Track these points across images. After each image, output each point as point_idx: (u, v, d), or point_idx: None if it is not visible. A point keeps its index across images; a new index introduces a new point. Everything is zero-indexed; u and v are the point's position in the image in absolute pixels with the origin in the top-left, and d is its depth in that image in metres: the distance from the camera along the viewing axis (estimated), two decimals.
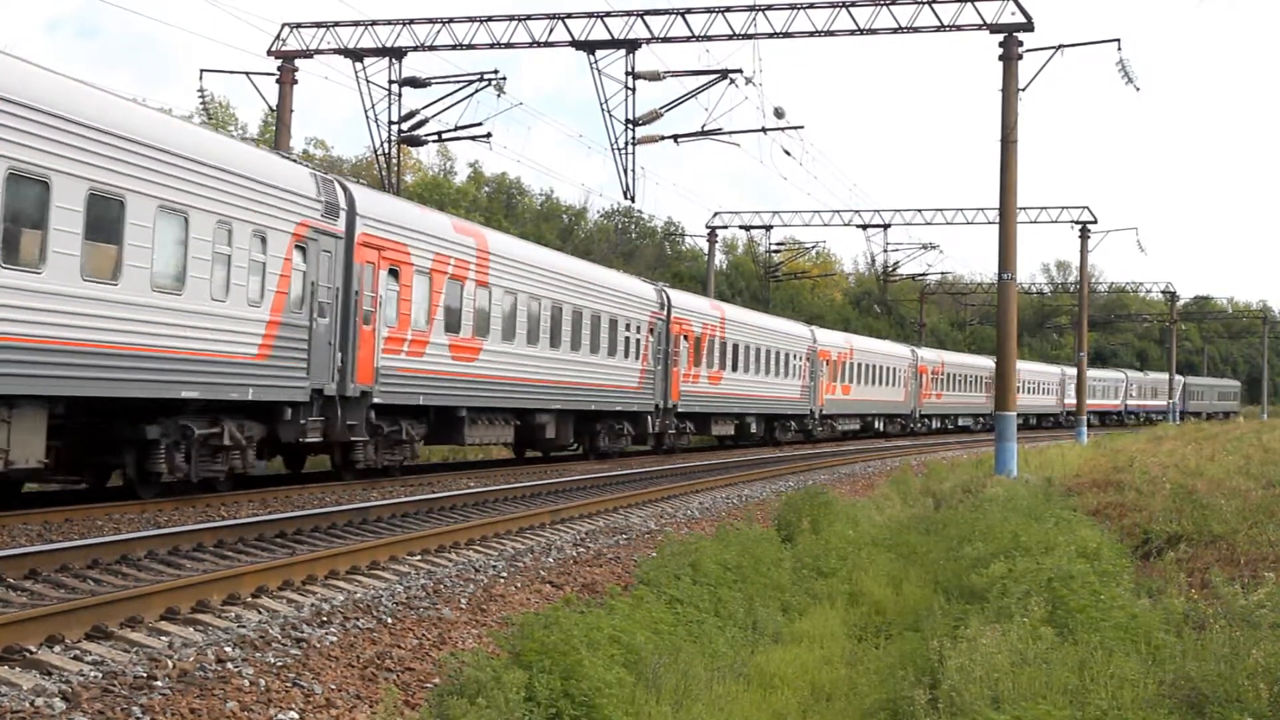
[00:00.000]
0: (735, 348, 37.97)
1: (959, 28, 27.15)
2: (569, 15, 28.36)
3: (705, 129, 30.76)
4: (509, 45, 28.96)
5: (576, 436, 28.94)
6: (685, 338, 33.83)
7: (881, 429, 55.24)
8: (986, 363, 66.08)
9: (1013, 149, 27.69)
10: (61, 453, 14.57)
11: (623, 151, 29.04)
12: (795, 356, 43.43)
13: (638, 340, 30.87)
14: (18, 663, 7.55)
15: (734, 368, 37.86)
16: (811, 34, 27.71)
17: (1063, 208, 51.99)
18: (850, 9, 27.35)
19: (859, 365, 50.77)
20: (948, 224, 53.00)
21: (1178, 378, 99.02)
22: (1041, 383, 77.10)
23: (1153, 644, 8.96)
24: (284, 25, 29.50)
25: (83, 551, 10.94)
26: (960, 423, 68.08)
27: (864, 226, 53.38)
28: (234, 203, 16.36)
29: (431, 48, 29.16)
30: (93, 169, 13.66)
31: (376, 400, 19.74)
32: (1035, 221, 52.04)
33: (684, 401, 33.88)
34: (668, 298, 33.36)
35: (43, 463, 13.51)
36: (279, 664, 8.14)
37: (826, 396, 46.73)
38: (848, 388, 49.47)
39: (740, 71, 28.88)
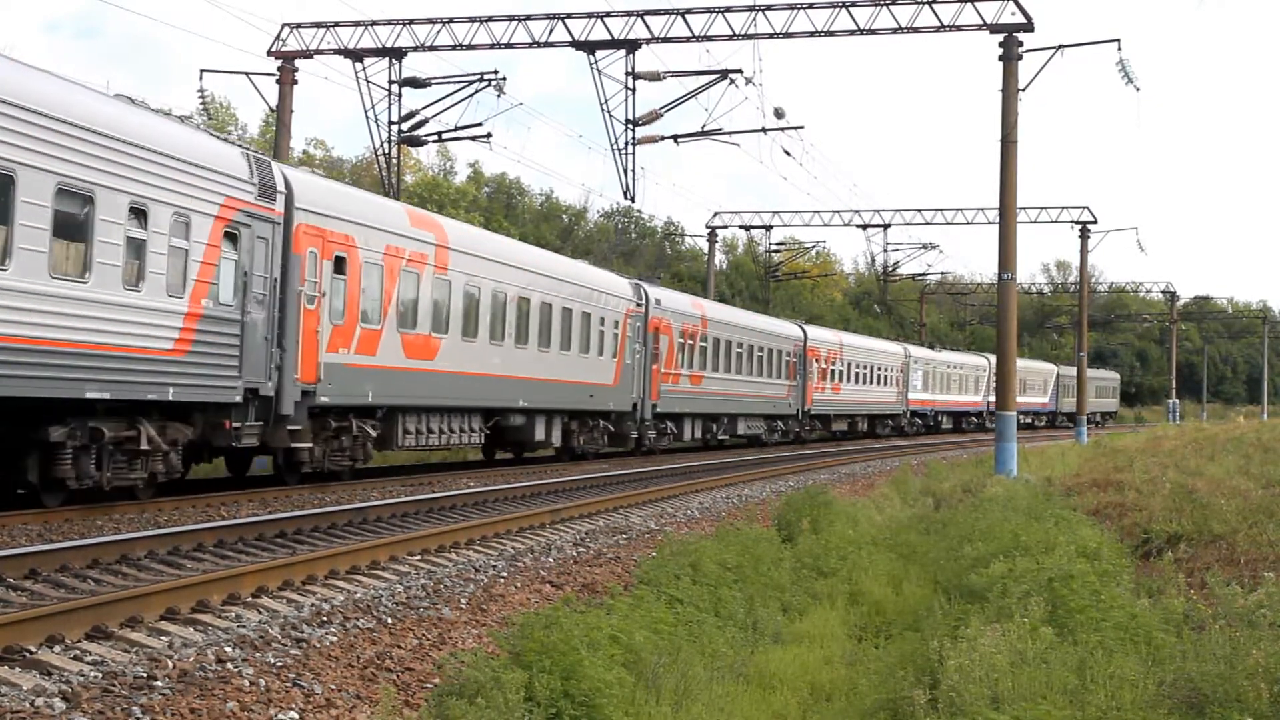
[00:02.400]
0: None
1: (959, 28, 27.17)
2: (569, 15, 28.38)
3: (705, 129, 30.80)
4: (509, 45, 28.98)
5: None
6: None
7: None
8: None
9: (1013, 149, 27.70)
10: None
11: (623, 151, 29.07)
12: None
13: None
14: (18, 663, 7.55)
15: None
16: (811, 34, 27.72)
17: (1063, 208, 52.09)
18: (850, 9, 27.37)
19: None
20: (948, 224, 53.10)
21: (1050, 367, 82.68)
22: (875, 367, 52.58)
23: (1153, 644, 8.96)
24: (284, 25, 29.54)
25: (83, 551, 10.94)
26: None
27: (864, 226, 53.46)
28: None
29: (431, 48, 29.17)
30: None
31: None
32: (1035, 221, 52.11)
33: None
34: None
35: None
36: (279, 664, 8.14)
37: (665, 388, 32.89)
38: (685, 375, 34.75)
39: (740, 71, 28.96)
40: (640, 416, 31.54)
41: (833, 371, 47.71)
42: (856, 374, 50.21)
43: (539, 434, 26.73)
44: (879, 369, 53.07)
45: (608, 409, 29.82)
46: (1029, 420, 74.98)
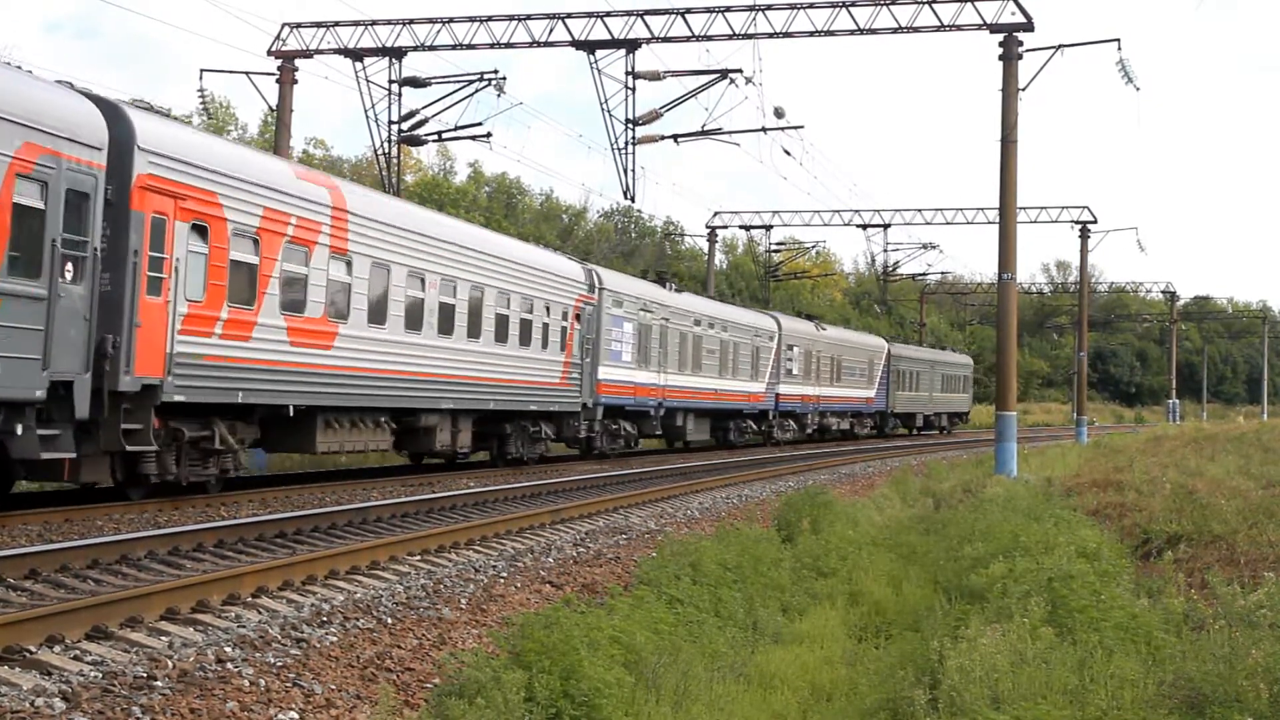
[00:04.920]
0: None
1: (959, 28, 27.16)
2: (569, 15, 28.38)
3: (705, 129, 30.79)
4: (509, 45, 28.98)
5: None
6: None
7: None
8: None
9: (1013, 149, 27.70)
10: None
11: (623, 151, 29.06)
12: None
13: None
14: (18, 663, 7.55)
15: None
16: (811, 34, 27.72)
17: (1063, 208, 52.06)
18: (850, 9, 27.36)
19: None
20: (948, 224, 53.08)
21: (877, 343, 54.73)
22: (514, 298, 24.31)
23: (1153, 644, 8.96)
24: (284, 25, 29.52)
25: (83, 551, 10.94)
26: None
27: (864, 226, 53.44)
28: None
29: (431, 48, 29.17)
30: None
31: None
32: (1035, 221, 52.09)
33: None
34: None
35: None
36: (279, 664, 8.14)
37: None
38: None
39: (740, 71, 28.94)
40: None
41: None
42: (450, 308, 21.83)
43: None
44: (524, 300, 24.81)
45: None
46: (842, 425, 49.68)
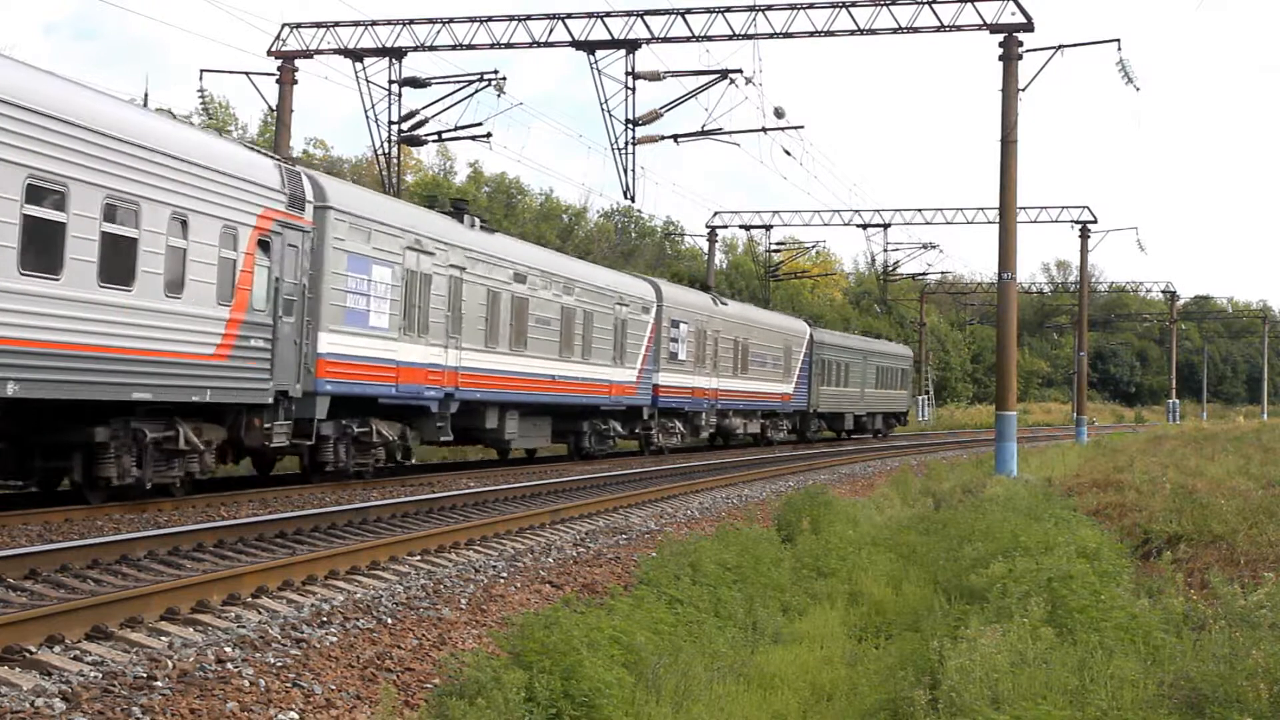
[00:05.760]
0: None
1: (959, 28, 27.17)
2: (569, 15, 28.38)
3: (705, 129, 30.78)
4: (509, 45, 28.98)
5: None
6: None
7: None
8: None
9: (1013, 149, 27.70)
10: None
11: (623, 151, 29.06)
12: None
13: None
14: (18, 663, 7.55)
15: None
16: (811, 34, 27.72)
17: (1063, 208, 52.01)
18: (850, 9, 27.36)
19: None
20: (948, 224, 53.03)
21: (797, 326, 45.50)
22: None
23: (1152, 644, 8.96)
24: (284, 25, 29.54)
25: (83, 551, 10.94)
26: None
27: (864, 226, 53.38)
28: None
29: (431, 48, 29.18)
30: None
31: None
32: (1035, 221, 52.05)
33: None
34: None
35: None
36: (279, 664, 8.14)
37: None
38: None
39: (740, 71, 28.93)
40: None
41: None
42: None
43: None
44: (118, 200, 14.17)
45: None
46: (750, 427, 39.43)
